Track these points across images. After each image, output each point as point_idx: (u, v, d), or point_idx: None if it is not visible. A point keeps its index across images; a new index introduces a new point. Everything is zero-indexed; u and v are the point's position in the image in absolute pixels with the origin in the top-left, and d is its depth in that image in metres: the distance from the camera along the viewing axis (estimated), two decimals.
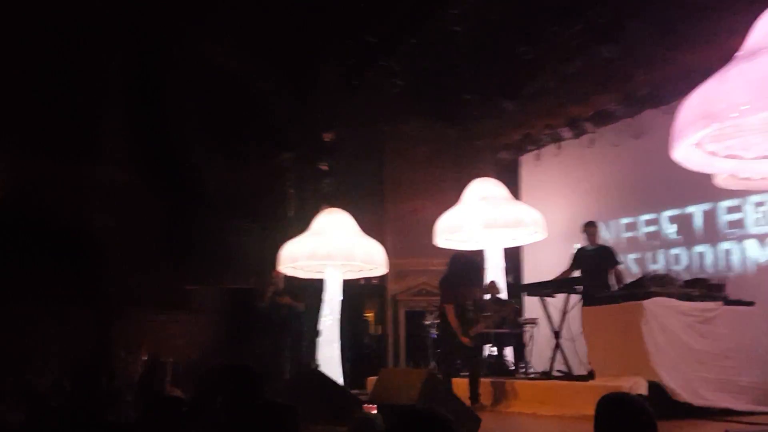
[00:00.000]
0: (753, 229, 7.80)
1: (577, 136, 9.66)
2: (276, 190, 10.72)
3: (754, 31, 4.95)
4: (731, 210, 8.00)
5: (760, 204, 7.71)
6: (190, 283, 9.97)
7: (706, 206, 8.24)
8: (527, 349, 7.84)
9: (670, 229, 8.66)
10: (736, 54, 4.94)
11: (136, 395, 4.94)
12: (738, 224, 7.95)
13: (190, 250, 9.59)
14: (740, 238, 7.90)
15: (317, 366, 8.36)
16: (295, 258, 8.62)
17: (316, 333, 8.82)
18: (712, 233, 8.17)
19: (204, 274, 9.90)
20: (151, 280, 9.34)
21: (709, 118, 4.38)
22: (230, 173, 10.05)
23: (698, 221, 8.36)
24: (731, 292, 6.08)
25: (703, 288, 5.94)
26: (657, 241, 8.79)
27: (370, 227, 9.43)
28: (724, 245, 8.06)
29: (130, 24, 8.82)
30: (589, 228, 7.48)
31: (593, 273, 7.05)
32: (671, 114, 5.09)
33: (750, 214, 7.84)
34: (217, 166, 9.90)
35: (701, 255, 8.29)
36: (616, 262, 7.20)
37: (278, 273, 8.64)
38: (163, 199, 9.67)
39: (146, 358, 7.76)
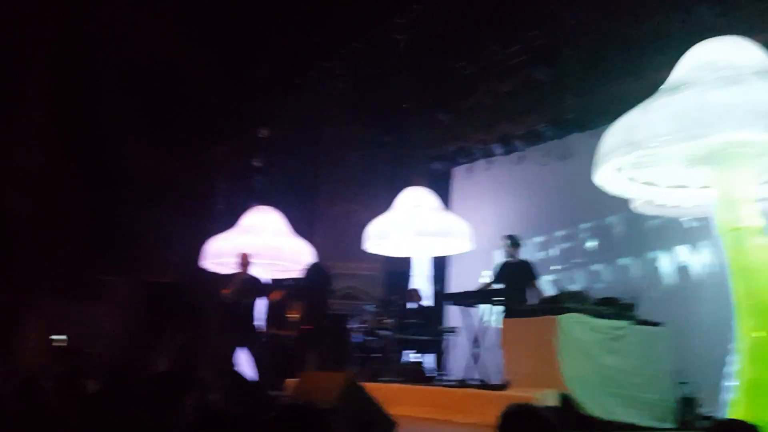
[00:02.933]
0: (683, 238, 7.66)
1: (507, 152, 9.92)
2: (206, 183, 10.51)
3: (678, 68, 5.26)
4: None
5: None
6: (106, 274, 9.62)
7: (628, 215, 7.90)
8: (445, 357, 7.98)
9: (590, 243, 8.78)
10: (660, 87, 5.24)
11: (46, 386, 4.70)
12: (665, 232, 7.78)
13: (109, 239, 9.26)
14: (669, 246, 7.81)
15: (233, 366, 8.21)
16: (221, 254, 8.48)
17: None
18: (637, 243, 8.11)
19: (123, 265, 9.57)
20: (65, 269, 8.95)
21: (631, 145, 4.61)
22: (159, 163, 9.77)
23: (620, 230, 8.33)
24: (641, 312, 6.39)
25: (614, 306, 6.21)
26: (576, 257, 8.97)
27: (299, 227, 9.38)
28: (650, 255, 7.98)
29: (59, 3, 8.44)
30: (508, 241, 7.67)
31: (513, 286, 7.24)
32: (597, 138, 5.34)
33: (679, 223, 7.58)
34: (145, 154, 9.60)
35: (624, 269, 8.27)
36: (534, 277, 7.42)
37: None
38: (84, 185, 9.28)
39: (59, 346, 7.42)
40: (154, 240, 9.75)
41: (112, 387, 3.39)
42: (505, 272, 7.52)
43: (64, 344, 7.35)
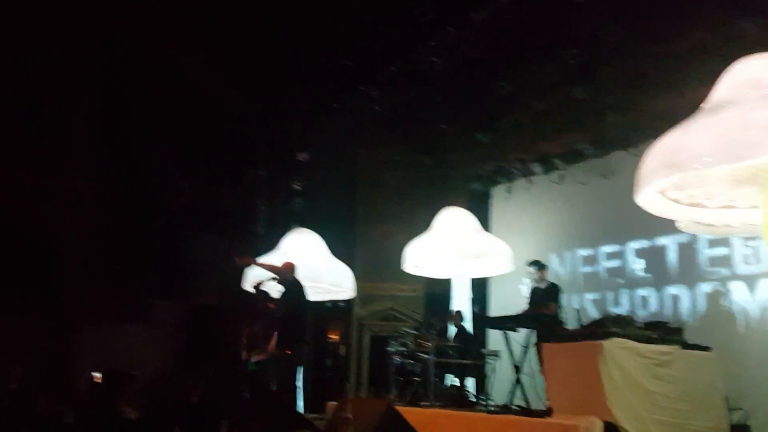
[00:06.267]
0: (741, 269, 7.25)
1: (547, 171, 9.82)
2: (246, 207, 10.69)
3: (719, 85, 5.12)
4: (714, 244, 7.36)
5: (750, 238, 6.83)
6: (153, 297, 9.84)
7: (681, 238, 7.68)
8: (487, 381, 7.86)
9: (637, 265, 8.51)
10: (701, 105, 5.11)
11: (88, 413, 4.83)
12: (722, 262, 7.42)
13: (154, 264, 9.48)
14: (724, 279, 7.38)
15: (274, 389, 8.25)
16: (262, 277, 8.56)
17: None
18: (690, 272, 7.72)
19: (168, 289, 9.78)
20: (112, 293, 9.20)
21: (672, 167, 4.49)
22: (201, 188, 10.00)
23: (672, 256, 8.02)
24: (690, 336, 6.20)
25: (662, 331, 6.04)
26: (622, 278, 8.74)
27: (339, 250, 9.43)
28: (703, 287, 7.57)
29: (102, 37, 8.77)
30: (534, 267, 7.57)
31: (547, 310, 7.15)
32: (639, 156, 5.23)
33: (738, 249, 7.22)
34: (187, 180, 9.84)
35: (674, 298, 7.84)
36: (555, 301, 7.25)
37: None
38: (131, 212, 9.56)
39: (99, 374, 7.58)
40: (198, 264, 9.95)
41: (150, 415, 3.45)
42: (537, 297, 7.42)
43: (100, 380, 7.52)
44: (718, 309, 7.61)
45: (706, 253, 7.69)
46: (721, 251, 7.51)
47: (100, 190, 9.46)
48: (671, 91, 7.41)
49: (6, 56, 8.32)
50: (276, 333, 7.05)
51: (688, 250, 7.85)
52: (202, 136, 9.71)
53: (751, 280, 7.25)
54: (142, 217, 9.69)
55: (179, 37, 8.92)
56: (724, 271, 7.51)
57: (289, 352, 6.78)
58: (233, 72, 9.40)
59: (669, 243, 8.10)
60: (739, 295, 7.35)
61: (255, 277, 7.49)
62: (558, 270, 9.30)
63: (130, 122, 9.44)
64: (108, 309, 9.30)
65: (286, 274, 7.05)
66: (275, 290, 7.35)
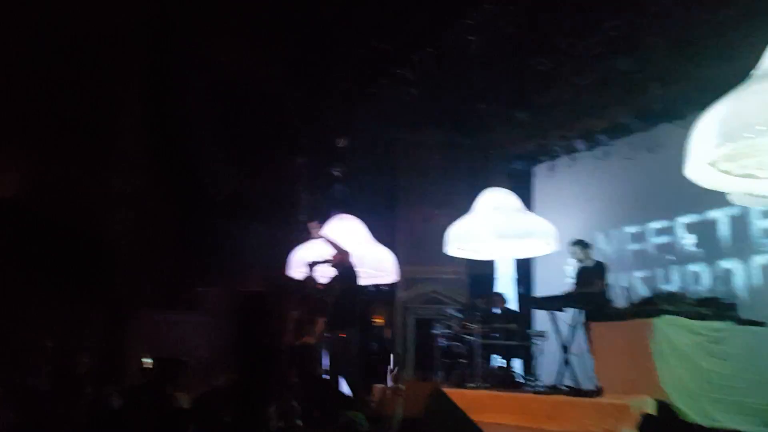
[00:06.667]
0: None
1: (590, 148, 9.61)
2: (288, 195, 10.78)
3: None
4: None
5: None
6: (200, 285, 10.05)
7: (733, 211, 7.58)
8: (535, 362, 7.80)
9: (688, 240, 8.32)
10: (752, 72, 4.91)
11: (142, 400, 4.98)
12: None
13: (201, 253, 9.68)
14: None
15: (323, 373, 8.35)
16: (318, 258, 8.64)
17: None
18: (743, 244, 7.59)
19: (215, 277, 9.98)
20: (162, 282, 9.44)
21: (724, 137, 4.34)
22: (244, 178, 10.12)
23: (724, 230, 7.87)
24: (744, 311, 6.02)
25: (715, 307, 5.88)
26: (672, 254, 8.52)
27: (381, 234, 9.44)
28: (758, 259, 7.38)
29: (142, 28, 8.91)
30: (577, 247, 7.43)
31: (595, 289, 7.01)
32: (686, 129, 5.06)
33: None
34: (229, 169, 9.98)
35: (727, 272, 7.73)
36: (602, 279, 7.12)
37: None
38: (175, 203, 9.76)
39: (150, 361, 7.79)
40: (243, 252, 10.11)
41: (201, 401, 3.53)
42: (583, 277, 7.29)
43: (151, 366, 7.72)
44: None
45: (758, 225, 7.50)
46: None
47: (144, 182, 9.68)
48: (719, 60, 7.13)
49: (47, 51, 8.55)
50: (323, 317, 7.10)
51: (740, 222, 7.67)
52: (243, 124, 9.81)
53: None
54: (186, 207, 9.89)
55: (217, 24, 9.00)
56: None
57: (344, 336, 6.83)
58: (271, 58, 9.44)
59: (720, 216, 7.92)
60: None
61: (313, 256, 7.49)
62: (605, 249, 9.12)
63: (170, 112, 9.59)
64: (157, 299, 9.55)
65: (344, 258, 7.08)
66: (327, 273, 7.37)
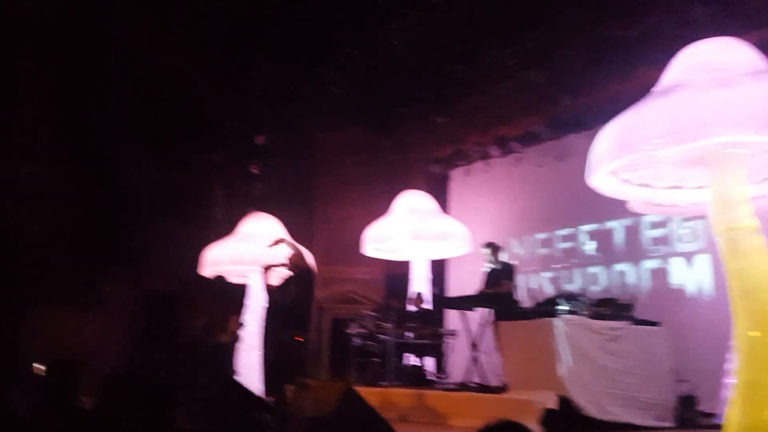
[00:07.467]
0: (679, 247, 7.81)
1: (504, 154, 9.94)
2: (203, 191, 10.52)
3: (670, 69, 5.25)
4: (655, 225, 8.03)
5: (687, 219, 7.54)
6: (106, 283, 9.63)
7: (627, 221, 8.30)
8: (445, 360, 7.99)
9: (589, 246, 8.91)
10: (652, 89, 5.24)
11: (42, 402, 4.72)
12: (662, 241, 7.99)
13: (108, 249, 9.27)
14: (665, 256, 7.96)
15: (235, 374, 8.20)
16: (219, 262, 8.48)
17: None
18: (635, 250, 8.27)
19: (122, 275, 9.58)
20: (66, 279, 8.97)
21: (624, 148, 4.60)
22: (157, 172, 9.77)
23: (619, 237, 8.51)
24: (639, 312, 6.42)
25: (613, 307, 6.23)
26: (575, 258, 9.07)
27: (298, 233, 9.35)
28: (647, 264, 8.12)
29: (56, 15, 8.47)
30: (488, 249, 7.65)
31: (503, 290, 7.26)
32: (593, 139, 5.34)
33: (675, 230, 7.85)
34: (142, 164, 9.62)
35: (621, 274, 8.40)
36: (509, 279, 7.38)
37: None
38: (83, 196, 9.31)
39: (51, 362, 7.36)
40: (152, 249, 9.76)
41: (107, 403, 3.40)
42: (492, 278, 7.54)
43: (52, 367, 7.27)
44: (664, 285, 7.96)
45: (648, 234, 8.21)
46: (661, 232, 8.07)
47: (51, 173, 9.17)
48: (624, 75, 7.56)
49: None
50: (235, 315, 6.96)
51: (633, 231, 8.36)
52: (159, 117, 9.49)
53: (688, 256, 7.77)
54: (95, 201, 9.45)
55: (138, 14, 8.68)
56: (664, 249, 8.04)
57: (301, 339, 6.68)
58: (193, 52, 9.19)
59: (616, 225, 8.59)
60: (678, 270, 7.84)
61: (268, 258, 7.23)
62: (518, 252, 9.50)
63: (85, 101, 9.15)
64: (62, 296, 9.07)
65: (299, 260, 6.89)
66: (283, 275, 7.14)
